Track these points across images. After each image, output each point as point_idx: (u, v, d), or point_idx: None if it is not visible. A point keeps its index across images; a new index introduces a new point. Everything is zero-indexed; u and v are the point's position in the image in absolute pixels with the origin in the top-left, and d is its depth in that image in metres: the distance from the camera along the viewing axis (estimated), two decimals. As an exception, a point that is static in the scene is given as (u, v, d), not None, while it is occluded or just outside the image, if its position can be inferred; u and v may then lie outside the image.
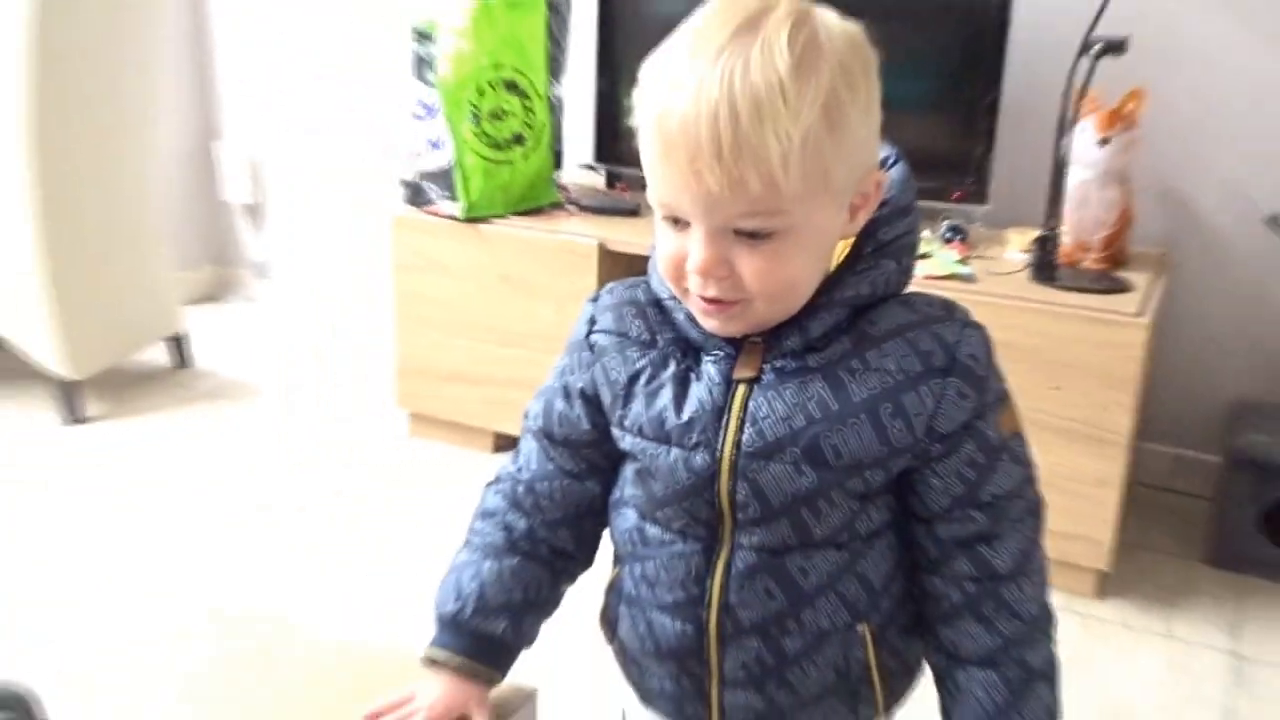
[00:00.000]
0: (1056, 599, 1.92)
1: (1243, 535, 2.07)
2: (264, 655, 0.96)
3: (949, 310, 0.79)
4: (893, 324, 0.77)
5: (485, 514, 0.91)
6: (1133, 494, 2.19)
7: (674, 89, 0.70)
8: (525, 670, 0.92)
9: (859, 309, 0.78)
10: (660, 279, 0.80)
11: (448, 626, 0.88)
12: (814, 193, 0.71)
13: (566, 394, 0.87)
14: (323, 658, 0.96)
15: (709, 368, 0.79)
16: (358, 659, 0.95)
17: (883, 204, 0.78)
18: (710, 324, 0.77)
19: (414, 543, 2.14)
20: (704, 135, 0.68)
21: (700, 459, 0.78)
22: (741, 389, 0.77)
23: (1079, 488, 1.92)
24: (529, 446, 0.90)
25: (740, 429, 0.76)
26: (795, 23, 0.70)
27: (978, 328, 0.79)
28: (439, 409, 2.53)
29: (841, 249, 0.79)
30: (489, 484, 0.92)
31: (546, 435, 0.89)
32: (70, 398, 2.60)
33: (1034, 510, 0.82)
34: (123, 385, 2.86)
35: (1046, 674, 0.81)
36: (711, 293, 0.74)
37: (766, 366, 0.77)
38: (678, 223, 0.74)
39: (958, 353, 0.76)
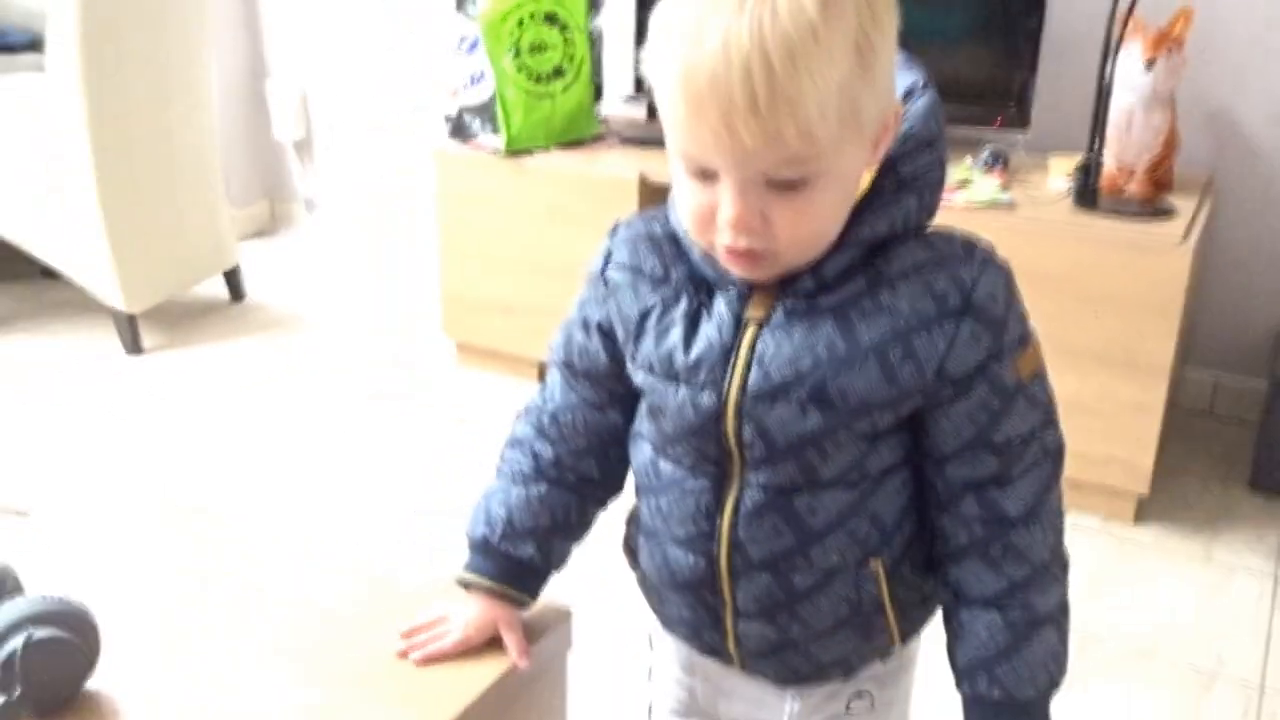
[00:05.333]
0: (1094, 522, 1.92)
1: (1285, 460, 2.06)
2: (317, 568, 1.01)
3: (969, 250, 0.76)
4: (908, 262, 0.75)
5: (514, 443, 0.93)
6: (1173, 419, 2.19)
7: (698, 43, 0.66)
8: (561, 591, 0.95)
9: (876, 247, 0.75)
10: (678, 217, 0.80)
11: (478, 550, 0.91)
12: (848, 136, 0.69)
13: (585, 327, 0.87)
14: (373, 575, 1.01)
15: (720, 305, 0.78)
16: (405, 579, 1.01)
17: (906, 137, 0.75)
18: (738, 271, 0.75)
19: (462, 468, 2.20)
20: (737, 91, 0.65)
21: (707, 399, 0.77)
22: (751, 329, 0.76)
23: (1118, 413, 1.93)
24: (553, 377, 0.92)
25: (747, 370, 0.76)
26: None
27: (999, 266, 0.76)
28: (485, 338, 2.58)
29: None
30: (519, 414, 0.94)
31: (568, 367, 0.90)
32: (128, 330, 2.68)
33: (1051, 454, 0.79)
34: (179, 317, 2.94)
35: (1055, 619, 0.79)
36: (744, 244, 0.71)
37: (778, 306, 0.76)
38: (705, 175, 0.71)
39: (974, 293, 0.73)
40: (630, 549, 0.92)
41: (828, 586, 0.80)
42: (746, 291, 0.77)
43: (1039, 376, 0.78)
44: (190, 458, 2.23)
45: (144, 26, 2.57)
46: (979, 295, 0.74)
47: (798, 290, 0.76)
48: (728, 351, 0.77)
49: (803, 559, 0.79)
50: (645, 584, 0.91)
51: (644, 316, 0.81)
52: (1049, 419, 0.79)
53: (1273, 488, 2.10)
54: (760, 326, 0.76)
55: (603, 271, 0.85)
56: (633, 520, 0.91)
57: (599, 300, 0.85)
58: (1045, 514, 0.79)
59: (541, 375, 2.48)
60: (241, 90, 3.49)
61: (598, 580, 1.74)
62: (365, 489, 2.13)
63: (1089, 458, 1.97)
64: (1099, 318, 1.89)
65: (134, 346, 2.69)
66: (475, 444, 2.30)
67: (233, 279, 3.05)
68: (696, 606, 0.85)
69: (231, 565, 1.02)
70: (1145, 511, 2.03)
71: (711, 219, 0.72)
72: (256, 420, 2.40)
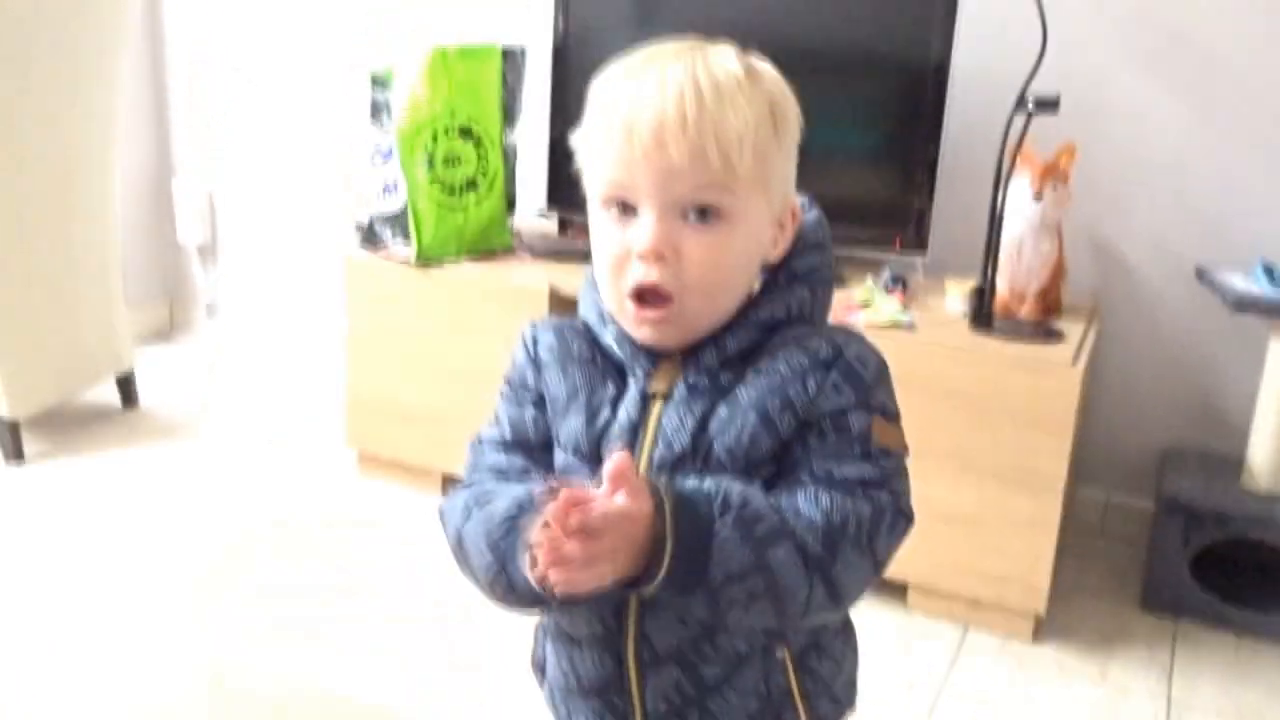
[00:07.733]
0: (993, 642, 1.94)
1: (1174, 580, 2.11)
2: (224, 690, 0.96)
3: (850, 330, 0.83)
4: (789, 336, 0.81)
5: (467, 491, 0.84)
6: (1067, 537, 2.24)
7: (638, 83, 0.77)
8: None
9: (772, 329, 0.82)
10: (589, 304, 0.85)
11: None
12: (758, 184, 0.78)
13: (519, 404, 0.87)
14: (274, 699, 0.96)
15: (631, 386, 0.82)
16: (304, 702, 0.96)
17: (797, 238, 0.84)
18: (642, 333, 0.80)
19: (359, 582, 2.13)
20: (670, 112, 0.75)
21: None
22: (657, 405, 0.80)
23: (1014, 530, 1.96)
24: (487, 464, 0.86)
25: (655, 445, 0.79)
26: (735, 51, 0.81)
27: (875, 350, 0.82)
28: (388, 448, 2.54)
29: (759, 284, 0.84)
30: (446, 504, 0.86)
31: (516, 445, 0.85)
32: (9, 437, 2.57)
33: (881, 510, 0.76)
34: (65, 424, 2.82)
35: (799, 558, 0.72)
36: (653, 277, 0.76)
37: (679, 381, 0.80)
38: (625, 211, 0.78)
39: (845, 351, 0.79)
40: (536, 662, 0.91)
41: (736, 677, 0.80)
42: (651, 368, 0.81)
43: (893, 454, 0.78)
44: (72, 574, 2.12)
45: (47, 121, 2.52)
46: (849, 354, 0.79)
47: (702, 365, 0.80)
48: (636, 428, 0.80)
49: (709, 647, 0.79)
50: (553, 698, 0.89)
51: (571, 396, 0.83)
52: (886, 483, 0.77)
53: (1162, 608, 2.15)
54: (665, 401, 0.80)
55: (533, 356, 0.87)
56: (539, 627, 0.90)
57: (530, 381, 0.86)
58: (847, 534, 0.74)
59: (444, 488, 2.46)
60: (146, 188, 3.44)
61: (494, 710, 1.69)
62: (261, 607, 2.05)
63: (987, 574, 1.99)
64: (995, 435, 1.94)
65: (15, 454, 2.57)
66: (374, 557, 2.23)
67: (126, 385, 2.95)
68: (604, 713, 0.84)
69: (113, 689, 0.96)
70: (1043, 631, 2.05)
71: (626, 260, 0.78)
72: (143, 534, 2.30)
